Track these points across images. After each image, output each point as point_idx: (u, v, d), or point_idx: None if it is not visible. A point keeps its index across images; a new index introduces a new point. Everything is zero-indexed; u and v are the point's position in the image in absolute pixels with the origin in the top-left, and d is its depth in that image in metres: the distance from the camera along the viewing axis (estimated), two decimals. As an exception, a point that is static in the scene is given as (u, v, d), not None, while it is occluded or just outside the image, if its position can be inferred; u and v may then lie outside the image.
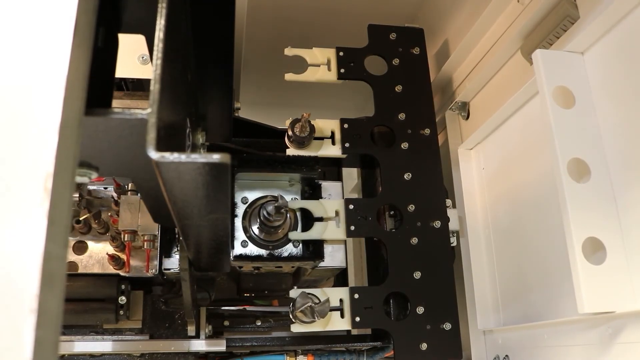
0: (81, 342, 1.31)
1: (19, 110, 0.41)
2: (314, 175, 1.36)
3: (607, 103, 1.09)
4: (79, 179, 0.55)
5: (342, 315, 1.23)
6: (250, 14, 1.44)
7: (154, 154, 0.46)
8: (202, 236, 0.80)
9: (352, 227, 1.28)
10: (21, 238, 0.37)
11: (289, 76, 1.36)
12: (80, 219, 1.25)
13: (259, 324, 1.47)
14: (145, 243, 1.24)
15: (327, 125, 1.34)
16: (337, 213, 1.29)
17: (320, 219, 1.28)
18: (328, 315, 1.21)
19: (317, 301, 1.20)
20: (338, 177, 1.48)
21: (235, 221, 1.28)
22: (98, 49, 0.56)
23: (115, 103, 1.28)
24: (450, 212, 1.37)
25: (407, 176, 1.34)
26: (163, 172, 0.49)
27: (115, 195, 1.27)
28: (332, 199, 1.33)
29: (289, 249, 1.29)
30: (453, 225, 1.37)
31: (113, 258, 1.26)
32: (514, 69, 1.34)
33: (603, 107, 1.09)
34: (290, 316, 1.21)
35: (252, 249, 1.27)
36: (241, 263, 1.28)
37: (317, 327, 1.21)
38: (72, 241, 1.27)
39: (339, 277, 1.56)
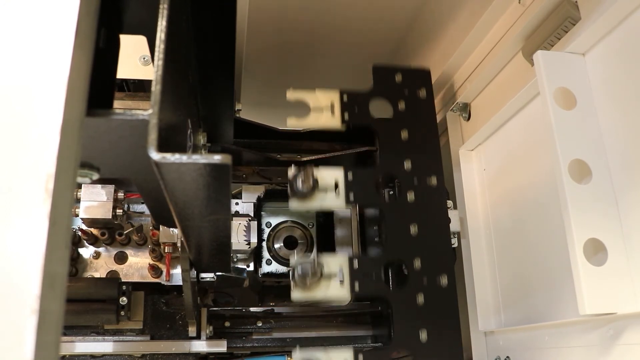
0: (82, 342, 1.32)
1: (20, 111, 0.41)
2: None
3: (608, 104, 1.08)
4: (80, 180, 0.55)
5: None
6: (251, 15, 1.43)
7: (155, 155, 0.46)
8: (203, 237, 0.80)
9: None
10: (22, 239, 0.37)
11: (290, 121, 1.33)
12: (124, 232, 1.33)
13: (260, 324, 1.47)
14: None
15: (330, 174, 1.29)
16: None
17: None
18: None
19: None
20: None
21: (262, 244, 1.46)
22: (99, 49, 0.56)
23: (117, 104, 1.28)
24: (451, 214, 1.37)
25: (413, 229, 1.31)
26: (164, 173, 0.49)
27: None
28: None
29: None
30: (454, 226, 1.37)
31: (153, 268, 1.33)
32: (515, 70, 1.34)
33: (604, 108, 1.09)
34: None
35: (276, 267, 1.45)
36: (267, 279, 1.45)
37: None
38: (113, 252, 1.37)
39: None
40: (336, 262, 1.24)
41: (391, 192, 1.37)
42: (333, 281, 1.22)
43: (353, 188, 1.29)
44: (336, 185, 1.28)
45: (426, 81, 1.45)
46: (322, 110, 1.36)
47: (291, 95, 1.36)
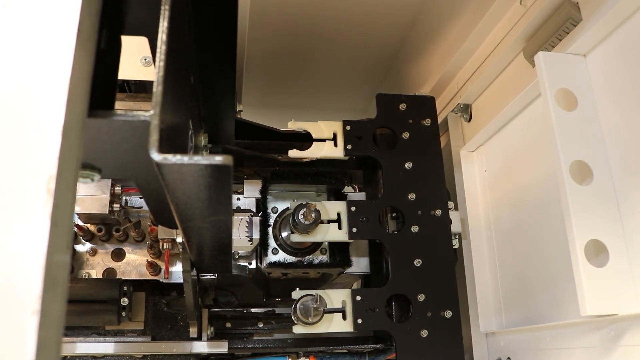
0: (83, 343, 1.32)
1: (22, 111, 0.41)
2: (340, 187, 1.39)
3: (610, 105, 1.08)
4: (81, 181, 0.55)
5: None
6: (252, 15, 1.43)
7: (156, 156, 0.46)
8: (204, 238, 0.80)
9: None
10: (24, 239, 0.38)
11: (293, 153, 1.32)
12: (121, 228, 1.30)
13: (261, 325, 1.47)
14: None
15: (333, 207, 1.30)
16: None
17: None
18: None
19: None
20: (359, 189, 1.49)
21: (268, 230, 1.34)
22: (101, 50, 0.56)
23: (118, 105, 1.28)
24: (453, 215, 1.37)
25: (417, 262, 1.30)
26: (165, 173, 0.49)
27: None
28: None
29: (317, 256, 1.34)
30: (455, 227, 1.36)
31: (151, 265, 1.31)
32: (517, 71, 1.34)
33: (605, 109, 1.09)
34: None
35: (283, 256, 1.33)
36: (273, 270, 1.33)
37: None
38: (110, 248, 1.34)
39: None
40: (339, 296, 1.24)
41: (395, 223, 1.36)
42: (336, 317, 1.22)
43: (356, 220, 1.28)
44: (339, 218, 1.28)
45: (431, 109, 1.42)
46: (325, 141, 1.34)
47: (293, 125, 1.34)
